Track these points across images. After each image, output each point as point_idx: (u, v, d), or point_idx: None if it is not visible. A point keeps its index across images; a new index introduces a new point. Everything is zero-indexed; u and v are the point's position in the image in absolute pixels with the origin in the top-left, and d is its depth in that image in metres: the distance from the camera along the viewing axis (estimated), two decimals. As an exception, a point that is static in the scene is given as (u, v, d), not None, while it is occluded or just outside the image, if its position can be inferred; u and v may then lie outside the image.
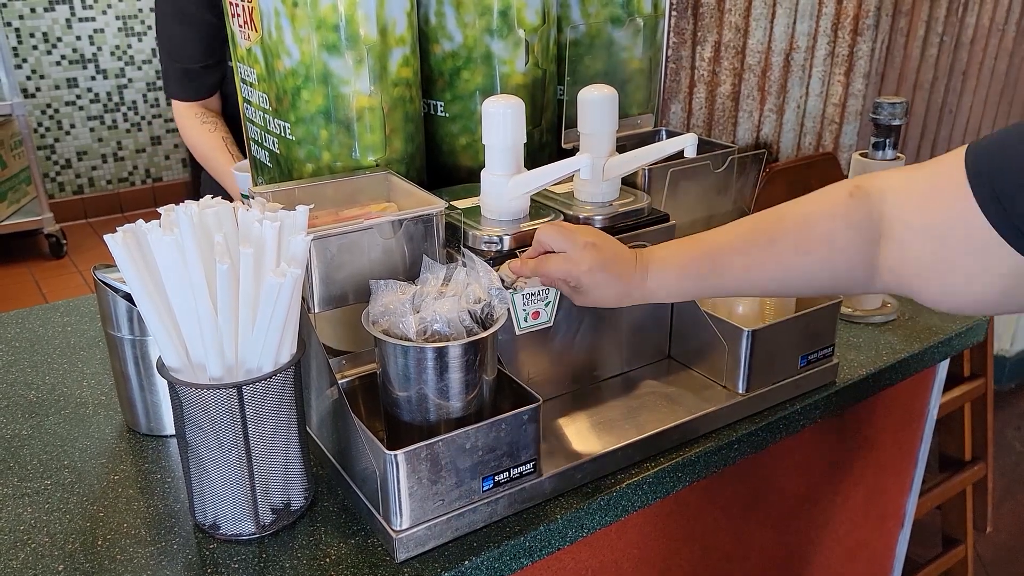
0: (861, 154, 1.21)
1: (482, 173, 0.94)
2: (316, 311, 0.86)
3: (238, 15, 1.03)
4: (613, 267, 0.86)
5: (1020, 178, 0.62)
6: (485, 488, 0.82)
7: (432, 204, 0.89)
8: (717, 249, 0.83)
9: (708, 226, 1.07)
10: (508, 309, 0.87)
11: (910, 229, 0.71)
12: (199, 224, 0.74)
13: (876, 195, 0.73)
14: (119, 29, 4.15)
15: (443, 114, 1.11)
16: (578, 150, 1.00)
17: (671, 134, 1.17)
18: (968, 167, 0.66)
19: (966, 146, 0.68)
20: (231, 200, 0.81)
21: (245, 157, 1.19)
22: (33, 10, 3.95)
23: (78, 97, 4.15)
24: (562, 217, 0.96)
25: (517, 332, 0.95)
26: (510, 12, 1.05)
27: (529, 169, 0.93)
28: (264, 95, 1.03)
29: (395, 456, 0.75)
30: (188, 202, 0.76)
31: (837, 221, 0.75)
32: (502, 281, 0.85)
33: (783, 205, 0.80)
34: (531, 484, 0.85)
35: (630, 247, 0.89)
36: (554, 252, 0.87)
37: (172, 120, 4.36)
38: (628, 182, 1.05)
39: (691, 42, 2.00)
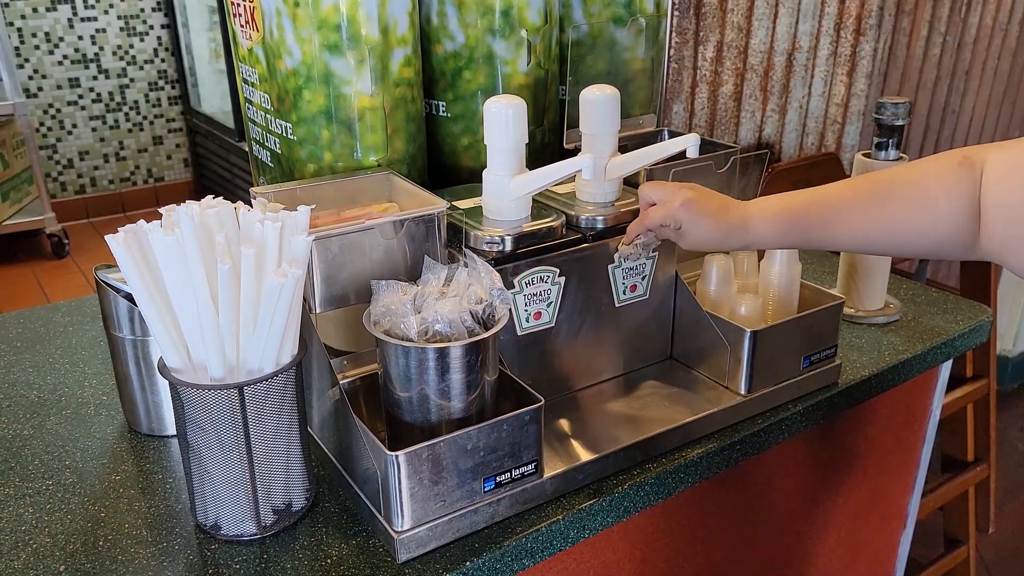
0: (864, 154, 1.21)
1: (484, 173, 0.94)
2: (317, 311, 0.86)
3: (239, 15, 1.03)
4: (708, 202, 0.90)
5: None
6: (487, 489, 0.82)
7: (434, 204, 0.89)
8: (826, 203, 0.86)
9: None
10: (510, 310, 0.87)
11: (991, 205, 0.75)
12: (200, 224, 0.74)
13: (979, 167, 0.77)
14: (121, 29, 4.15)
15: (445, 114, 1.11)
16: (580, 150, 1.00)
17: (673, 134, 1.17)
18: None
19: None
20: None
21: None
22: (35, 10, 3.95)
23: (80, 97, 4.15)
24: (563, 218, 0.96)
25: (519, 333, 0.94)
26: (512, 12, 1.05)
27: (531, 169, 0.93)
28: (266, 95, 1.03)
29: (396, 457, 0.75)
30: (189, 202, 0.76)
31: (945, 188, 0.79)
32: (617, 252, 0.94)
33: (893, 168, 0.85)
34: (533, 485, 0.85)
35: None
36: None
37: (174, 120, 4.38)
38: (630, 182, 1.05)
39: (693, 42, 2.00)
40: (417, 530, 0.79)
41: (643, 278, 1.02)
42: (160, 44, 4.25)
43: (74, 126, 4.19)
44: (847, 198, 0.86)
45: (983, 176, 0.77)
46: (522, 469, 0.83)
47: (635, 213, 0.99)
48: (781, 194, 0.91)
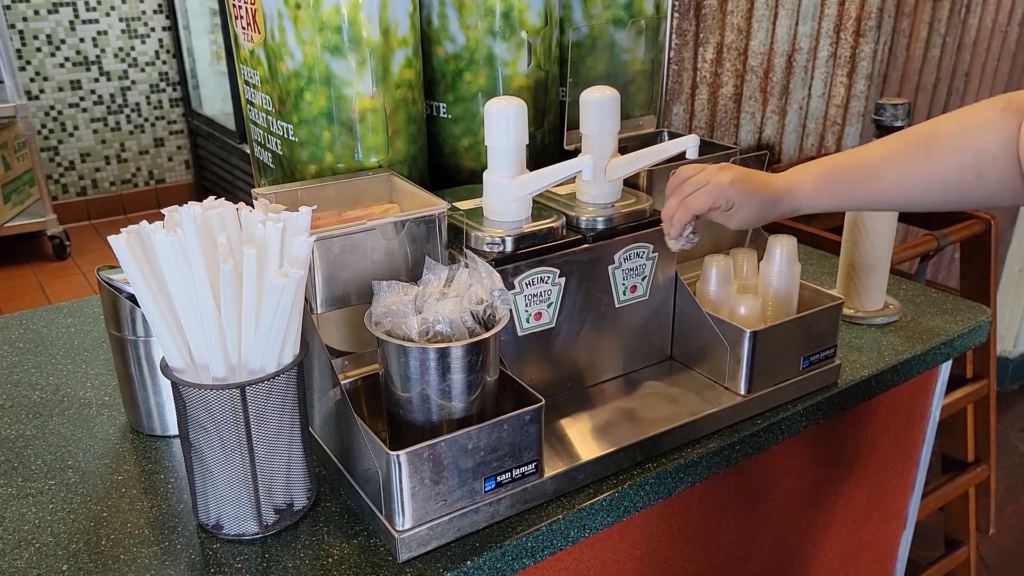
0: (863, 155, 1.21)
1: (484, 174, 0.94)
2: (319, 312, 0.86)
3: (241, 17, 1.03)
4: (752, 177, 0.89)
5: None
6: (487, 488, 0.82)
7: (434, 205, 0.89)
8: (871, 159, 0.85)
9: (710, 227, 1.07)
10: (510, 310, 0.88)
11: None
12: (202, 225, 0.74)
13: (1022, 109, 0.75)
14: (122, 31, 4.15)
15: (446, 115, 1.12)
16: (580, 151, 1.01)
17: (673, 135, 1.17)
18: None
19: None
20: None
21: None
22: (37, 12, 3.96)
23: (81, 99, 4.16)
24: (564, 219, 0.96)
25: (519, 333, 0.95)
26: (512, 14, 1.06)
27: (531, 170, 0.93)
28: (267, 97, 1.03)
29: (397, 456, 0.76)
30: (191, 203, 0.76)
31: (991, 133, 0.77)
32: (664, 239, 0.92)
33: (937, 118, 0.83)
34: (533, 484, 0.85)
35: None
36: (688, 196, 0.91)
37: (175, 122, 4.38)
38: (630, 183, 1.05)
39: (693, 43, 2.01)
40: (418, 529, 0.79)
41: (643, 279, 1.03)
42: (161, 46, 4.26)
43: (75, 128, 4.19)
44: (892, 152, 0.83)
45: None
46: (522, 469, 0.84)
47: (636, 214, 0.99)
48: (820, 159, 0.89)
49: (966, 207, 0.81)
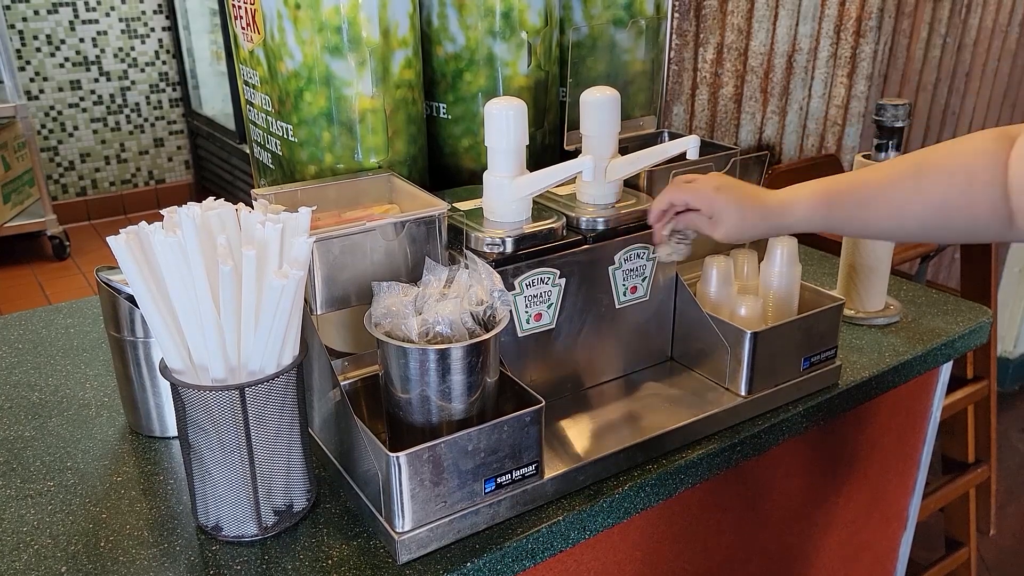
0: (864, 156, 1.21)
1: (484, 175, 0.94)
2: (318, 313, 0.86)
3: (240, 17, 1.03)
4: (741, 187, 0.88)
5: None
6: (487, 490, 0.82)
7: (434, 206, 0.89)
8: (865, 183, 0.84)
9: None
10: (510, 311, 0.87)
11: (1017, 177, 0.73)
12: (202, 226, 0.74)
13: (1015, 140, 0.75)
14: (122, 31, 4.15)
15: (445, 116, 1.11)
16: (580, 152, 1.00)
17: (673, 136, 1.17)
18: None
19: None
20: None
21: None
22: (37, 12, 3.96)
23: (81, 99, 4.16)
24: (564, 219, 0.96)
25: (519, 334, 0.95)
26: (512, 14, 1.06)
27: (531, 171, 0.93)
28: (267, 97, 1.03)
29: (397, 458, 0.75)
30: (191, 204, 0.76)
31: (983, 158, 0.77)
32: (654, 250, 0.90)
33: (932, 146, 0.83)
34: (533, 486, 0.85)
35: None
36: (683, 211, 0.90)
37: (175, 122, 4.38)
38: (630, 184, 1.05)
39: (693, 44, 2.01)
40: (418, 531, 0.79)
41: (643, 279, 1.02)
42: (161, 46, 4.26)
43: (75, 128, 4.19)
44: (887, 177, 0.83)
45: (1012, 150, 0.75)
46: (523, 470, 0.83)
47: (636, 214, 0.99)
48: (815, 180, 0.88)
49: (956, 238, 0.81)
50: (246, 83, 1.08)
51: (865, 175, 0.86)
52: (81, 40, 4.08)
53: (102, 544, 0.82)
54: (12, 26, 3.91)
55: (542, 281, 0.94)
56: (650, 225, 0.96)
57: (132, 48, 4.20)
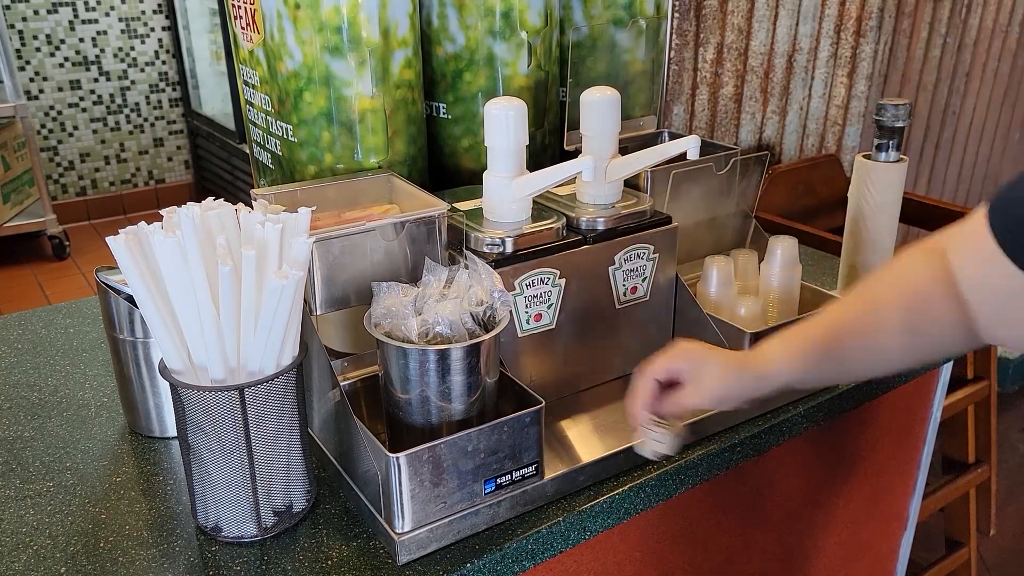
0: (864, 156, 1.21)
1: (484, 175, 0.94)
2: (318, 313, 0.86)
3: (240, 17, 1.03)
4: (715, 349, 0.84)
5: None
6: (487, 491, 0.82)
7: (434, 206, 0.89)
8: (843, 332, 0.80)
9: (710, 228, 1.07)
10: (510, 311, 0.87)
11: (967, 289, 0.72)
12: (201, 226, 0.74)
13: (943, 253, 0.74)
14: (122, 31, 4.15)
15: (445, 116, 1.11)
16: (580, 152, 1.00)
17: (674, 136, 1.17)
18: (991, 225, 0.68)
19: (987, 205, 0.69)
20: None
21: None
22: (36, 12, 3.96)
23: (81, 99, 4.15)
24: (564, 220, 0.96)
25: (519, 334, 0.94)
26: (512, 14, 1.05)
27: (531, 171, 0.93)
28: (266, 97, 1.03)
29: (397, 459, 0.75)
30: (190, 204, 0.76)
31: (925, 285, 0.75)
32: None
33: (884, 286, 0.79)
34: (533, 487, 0.85)
35: None
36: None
37: (175, 122, 4.38)
38: (631, 184, 1.05)
39: (693, 44, 2.00)
40: (418, 532, 0.79)
41: (643, 280, 1.02)
42: (161, 46, 4.26)
43: (75, 128, 4.19)
44: (861, 326, 0.79)
45: (949, 261, 0.73)
46: (523, 471, 0.83)
47: (636, 215, 0.99)
48: (789, 331, 0.83)
49: (938, 358, 0.78)
50: (246, 83, 1.08)
51: (842, 326, 0.81)
52: (81, 40, 4.08)
53: (101, 545, 0.82)
54: (12, 26, 3.91)
55: (542, 281, 0.94)
56: (633, 421, 0.87)
57: (132, 48, 4.20)
